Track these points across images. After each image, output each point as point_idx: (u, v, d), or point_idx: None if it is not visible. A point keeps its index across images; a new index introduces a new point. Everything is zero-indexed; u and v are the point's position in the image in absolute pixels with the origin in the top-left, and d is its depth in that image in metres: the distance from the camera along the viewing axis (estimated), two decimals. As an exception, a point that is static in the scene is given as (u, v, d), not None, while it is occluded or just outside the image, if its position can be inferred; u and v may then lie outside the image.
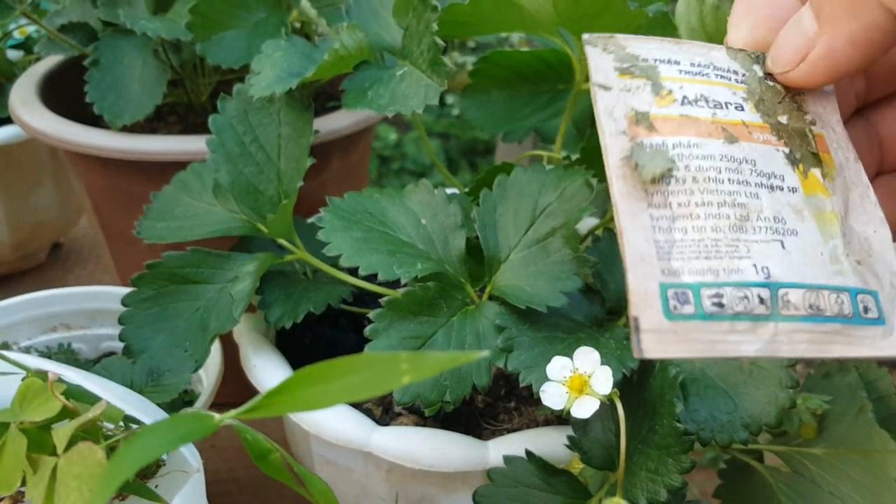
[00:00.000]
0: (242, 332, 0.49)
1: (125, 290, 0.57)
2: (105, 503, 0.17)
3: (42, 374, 0.28)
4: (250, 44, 0.52)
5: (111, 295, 0.58)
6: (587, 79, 0.49)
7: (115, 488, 0.17)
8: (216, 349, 0.51)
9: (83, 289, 0.58)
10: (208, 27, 0.51)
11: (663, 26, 0.43)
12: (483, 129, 0.55)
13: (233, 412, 0.21)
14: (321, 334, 0.53)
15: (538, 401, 0.49)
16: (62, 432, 0.26)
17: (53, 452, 0.26)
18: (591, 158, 0.43)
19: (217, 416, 0.21)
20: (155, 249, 0.49)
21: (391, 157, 2.08)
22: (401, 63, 0.45)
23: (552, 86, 0.55)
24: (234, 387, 0.51)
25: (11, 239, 0.80)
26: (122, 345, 0.46)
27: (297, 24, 0.57)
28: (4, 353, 0.29)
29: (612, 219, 0.53)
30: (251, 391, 0.33)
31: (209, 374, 0.50)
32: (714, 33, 0.39)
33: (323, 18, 0.51)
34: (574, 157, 0.45)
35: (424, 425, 0.43)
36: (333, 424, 0.42)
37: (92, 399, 0.28)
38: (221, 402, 0.65)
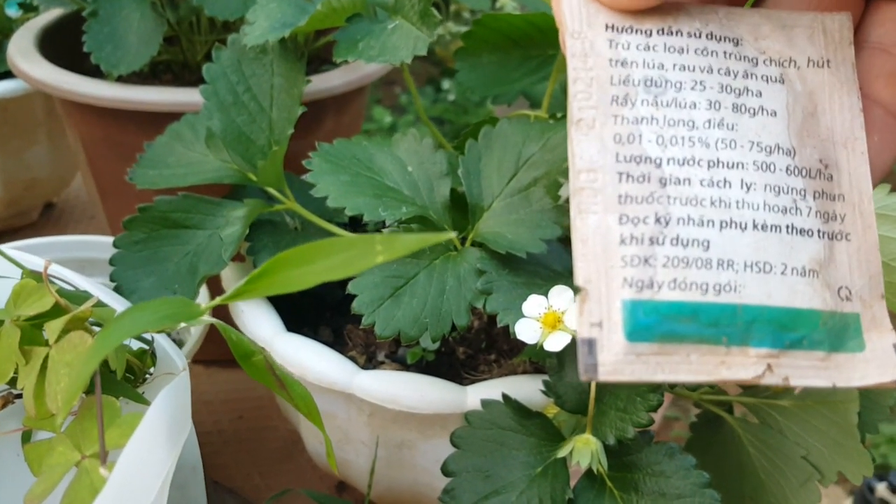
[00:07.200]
0: (231, 280, 0.50)
1: (117, 239, 0.58)
2: (93, 370, 0.18)
3: (37, 275, 0.29)
4: (246, -2, 0.53)
5: (103, 244, 0.59)
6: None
7: (102, 358, 0.18)
8: (204, 296, 0.52)
9: (75, 237, 0.59)
10: (205, -21, 0.52)
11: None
12: (474, 91, 0.56)
13: (219, 298, 0.22)
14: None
15: (517, 352, 0.50)
16: (54, 325, 0.27)
17: (46, 346, 0.27)
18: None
19: (203, 304, 0.22)
20: (146, 201, 0.49)
21: (386, 139, 2.09)
22: (392, 17, 0.46)
23: (542, 51, 0.56)
24: (220, 345, 0.52)
25: (5, 195, 0.81)
26: (113, 295, 0.47)
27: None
28: (3, 249, 0.30)
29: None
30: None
31: (197, 322, 0.51)
32: None
33: (318, -25, 0.52)
34: (559, 115, 0.47)
35: (407, 375, 0.45)
36: (318, 367, 0.43)
37: (84, 300, 0.29)
38: (207, 359, 0.66)
